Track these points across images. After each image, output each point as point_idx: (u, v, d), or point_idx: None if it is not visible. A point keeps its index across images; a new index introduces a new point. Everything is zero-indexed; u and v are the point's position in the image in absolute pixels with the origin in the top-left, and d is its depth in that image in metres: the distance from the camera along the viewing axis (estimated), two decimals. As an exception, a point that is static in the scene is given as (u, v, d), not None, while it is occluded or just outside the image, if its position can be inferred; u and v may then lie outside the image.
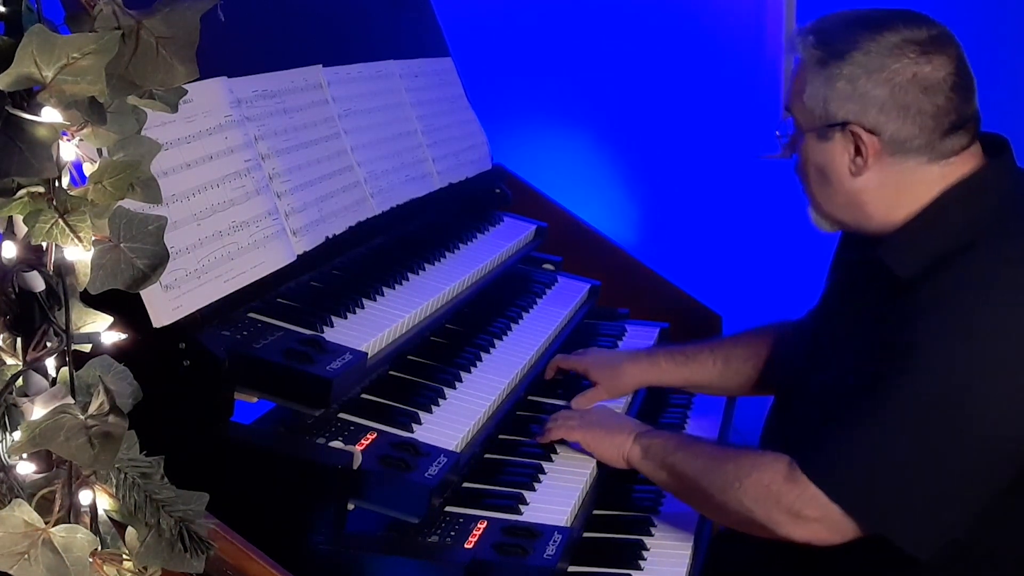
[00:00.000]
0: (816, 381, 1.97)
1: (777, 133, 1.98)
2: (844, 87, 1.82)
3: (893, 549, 1.85)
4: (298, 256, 2.00)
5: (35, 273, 1.15)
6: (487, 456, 2.12)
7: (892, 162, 1.83)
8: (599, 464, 2.15)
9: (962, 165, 1.85)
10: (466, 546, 1.77)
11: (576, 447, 2.17)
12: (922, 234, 1.84)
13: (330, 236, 2.12)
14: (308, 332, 1.86)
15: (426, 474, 1.74)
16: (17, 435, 1.15)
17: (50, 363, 1.18)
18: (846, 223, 1.96)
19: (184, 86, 1.19)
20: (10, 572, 1.12)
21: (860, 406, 1.79)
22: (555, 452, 2.16)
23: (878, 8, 1.89)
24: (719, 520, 2.02)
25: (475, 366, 2.22)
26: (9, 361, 1.17)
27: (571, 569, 1.88)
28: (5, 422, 1.16)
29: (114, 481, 1.21)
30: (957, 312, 1.74)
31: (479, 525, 1.83)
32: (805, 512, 1.79)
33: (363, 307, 2.06)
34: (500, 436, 2.19)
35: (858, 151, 1.84)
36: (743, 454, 1.93)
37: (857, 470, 1.78)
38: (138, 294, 1.53)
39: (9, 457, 1.16)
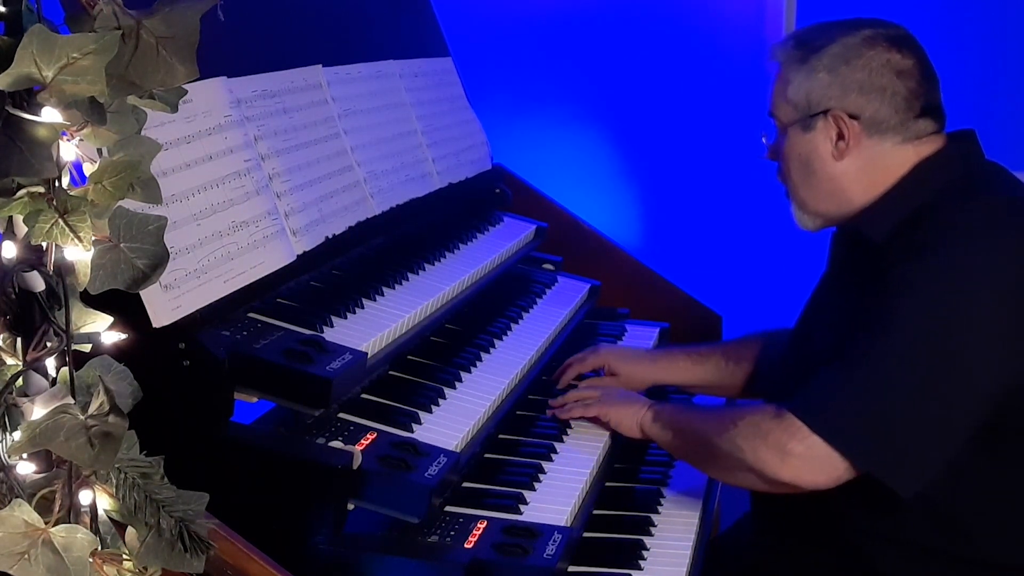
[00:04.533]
0: (805, 352, 2.05)
1: (764, 138, 2.10)
2: (824, 76, 1.98)
3: (886, 547, 1.88)
4: (298, 256, 2.00)
5: (35, 273, 1.15)
6: (487, 456, 2.12)
7: (870, 144, 1.97)
8: (599, 463, 2.15)
9: (931, 145, 1.99)
10: (466, 546, 1.77)
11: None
12: (893, 202, 1.97)
13: (330, 236, 2.12)
14: (308, 332, 1.86)
15: (426, 474, 1.74)
16: (17, 435, 1.15)
17: (50, 363, 1.18)
18: (829, 213, 2.06)
19: (184, 86, 1.20)
20: (10, 572, 1.12)
21: (845, 353, 1.86)
22: (555, 452, 2.17)
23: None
24: (716, 472, 2.09)
25: (475, 366, 2.22)
26: (9, 361, 1.17)
27: (571, 569, 1.88)
28: (5, 422, 1.16)
29: (114, 481, 1.21)
30: (933, 260, 1.84)
31: (479, 525, 1.83)
32: (789, 446, 1.84)
33: (363, 307, 2.06)
34: (500, 436, 2.19)
35: (840, 136, 1.98)
36: (741, 406, 2.09)
37: (840, 402, 1.84)
38: (138, 294, 1.53)
39: (9, 457, 1.16)
